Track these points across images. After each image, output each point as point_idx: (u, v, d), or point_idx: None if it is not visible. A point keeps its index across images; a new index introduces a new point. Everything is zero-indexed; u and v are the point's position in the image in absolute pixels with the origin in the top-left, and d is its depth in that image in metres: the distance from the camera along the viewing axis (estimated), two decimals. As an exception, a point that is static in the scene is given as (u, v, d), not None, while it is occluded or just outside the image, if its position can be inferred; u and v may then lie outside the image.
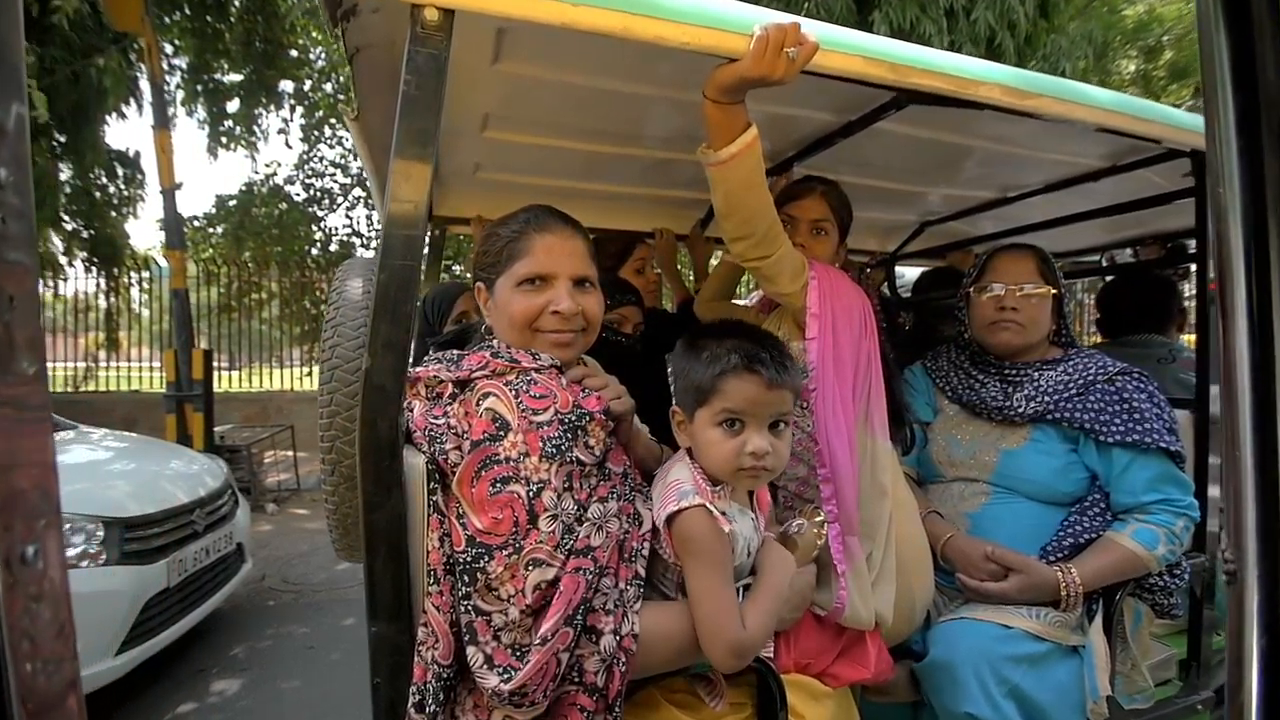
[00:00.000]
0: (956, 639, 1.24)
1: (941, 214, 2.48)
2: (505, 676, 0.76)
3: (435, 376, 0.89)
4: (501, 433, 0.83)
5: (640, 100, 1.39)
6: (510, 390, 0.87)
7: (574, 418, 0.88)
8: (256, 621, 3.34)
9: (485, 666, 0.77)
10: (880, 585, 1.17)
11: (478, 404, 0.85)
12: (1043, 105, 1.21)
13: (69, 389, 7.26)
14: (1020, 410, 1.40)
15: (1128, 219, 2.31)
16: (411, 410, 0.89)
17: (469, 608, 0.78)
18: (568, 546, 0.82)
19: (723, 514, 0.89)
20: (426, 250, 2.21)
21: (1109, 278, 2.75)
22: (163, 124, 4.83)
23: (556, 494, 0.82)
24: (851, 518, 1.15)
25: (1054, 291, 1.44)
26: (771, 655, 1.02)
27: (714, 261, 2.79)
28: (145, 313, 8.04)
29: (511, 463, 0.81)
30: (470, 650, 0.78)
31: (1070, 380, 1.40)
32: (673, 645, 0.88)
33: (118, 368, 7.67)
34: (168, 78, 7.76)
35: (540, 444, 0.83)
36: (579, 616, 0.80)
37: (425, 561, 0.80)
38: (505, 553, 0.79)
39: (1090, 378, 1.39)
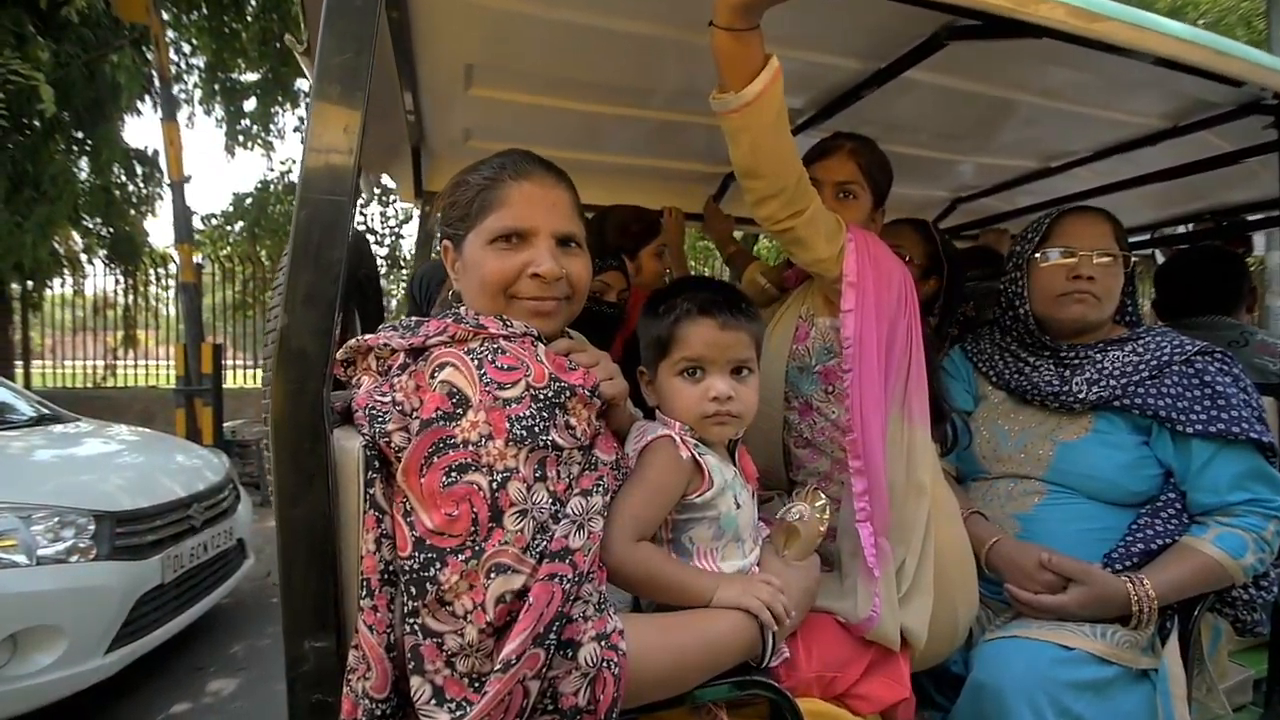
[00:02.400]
0: (1006, 661, 1.06)
1: (976, 188, 2.28)
2: (458, 713, 0.61)
3: (386, 345, 0.74)
4: (459, 410, 0.68)
5: (644, 45, 1.24)
6: (472, 360, 0.72)
7: (550, 393, 0.72)
8: (259, 619, 3.26)
9: (433, 701, 0.62)
10: (914, 598, 1.00)
11: (431, 376, 0.71)
12: (1112, 30, 1.02)
13: (89, 385, 7.34)
14: (1081, 396, 1.21)
15: (1183, 191, 2.11)
16: (359, 387, 0.75)
17: (415, 627, 0.64)
18: (539, 549, 0.67)
19: (695, 448, 0.86)
20: (417, 228, 2.08)
21: (1160, 258, 2.54)
22: (171, 117, 4.81)
23: (526, 485, 0.68)
24: (886, 517, 1.00)
25: (1132, 259, 1.25)
26: (787, 656, 0.87)
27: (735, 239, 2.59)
28: (169, 310, 8.11)
29: (470, 447, 0.66)
30: (415, 681, 0.63)
31: (1141, 361, 1.20)
32: (666, 665, 0.73)
33: (135, 365, 7.75)
34: (186, 77, 7.84)
35: (507, 424, 0.68)
36: (552, 635, 0.65)
37: (358, 569, 0.65)
38: (462, 558, 0.64)
39: (1165, 358, 1.19)
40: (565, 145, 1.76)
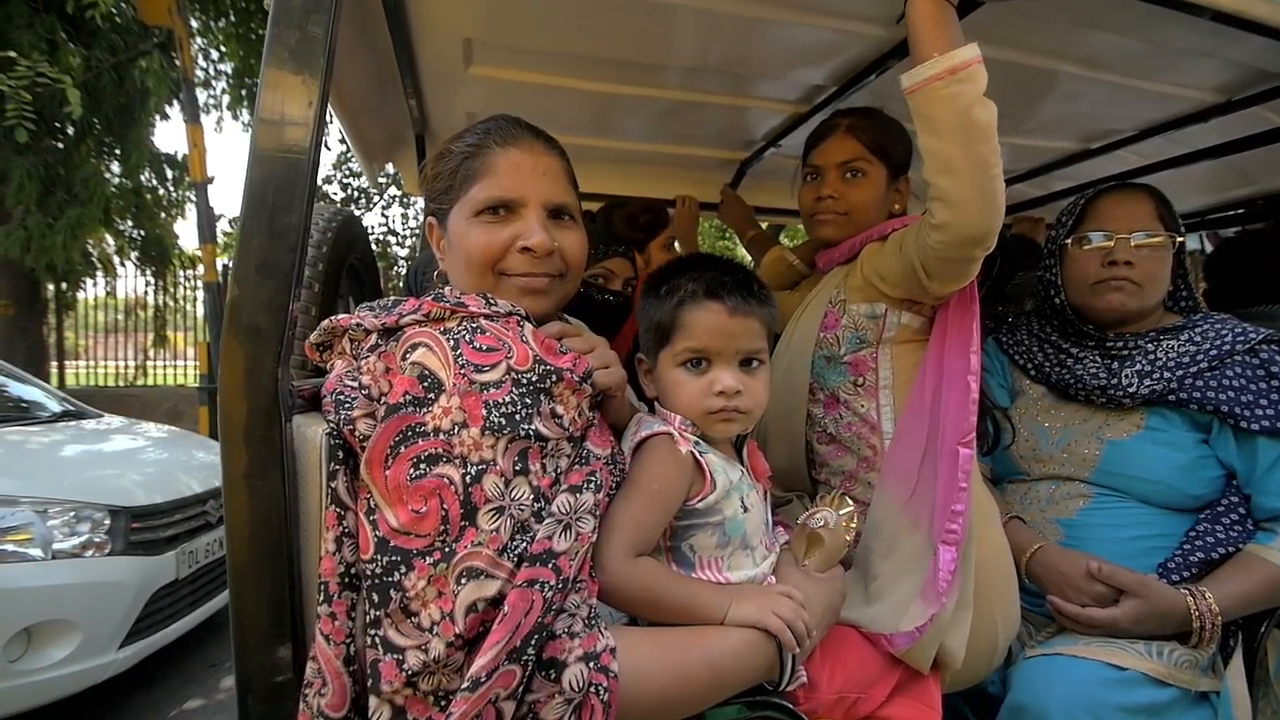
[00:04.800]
0: (1049, 681, 0.96)
1: (1010, 173, 2.15)
2: None
3: (359, 325, 0.68)
4: (431, 395, 0.61)
5: (654, 14, 1.16)
6: (447, 340, 0.65)
7: (534, 377, 0.65)
8: (274, 616, 3.27)
9: None
10: (952, 613, 0.90)
11: (403, 357, 0.64)
12: (1173, -21, 0.92)
13: (120, 384, 7.54)
14: (1131, 390, 1.10)
15: (1232, 174, 1.96)
16: (332, 371, 0.69)
17: (377, 639, 0.57)
18: (518, 551, 0.60)
19: (696, 446, 0.79)
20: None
21: (1208, 246, 2.38)
22: (195, 119, 4.88)
23: (504, 479, 0.61)
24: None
25: (1179, 240, 1.14)
26: (805, 681, 0.78)
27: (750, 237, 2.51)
28: (200, 311, 8.28)
29: (442, 435, 0.60)
30: (373, 702, 0.57)
31: (1199, 351, 1.09)
32: (665, 690, 0.65)
33: (165, 364, 7.95)
34: (214, 83, 8.01)
35: (484, 411, 0.61)
36: (530, 649, 0.57)
37: (317, 572, 0.59)
38: (429, 560, 0.57)
39: (1226, 347, 1.08)
40: (572, 130, 1.69)
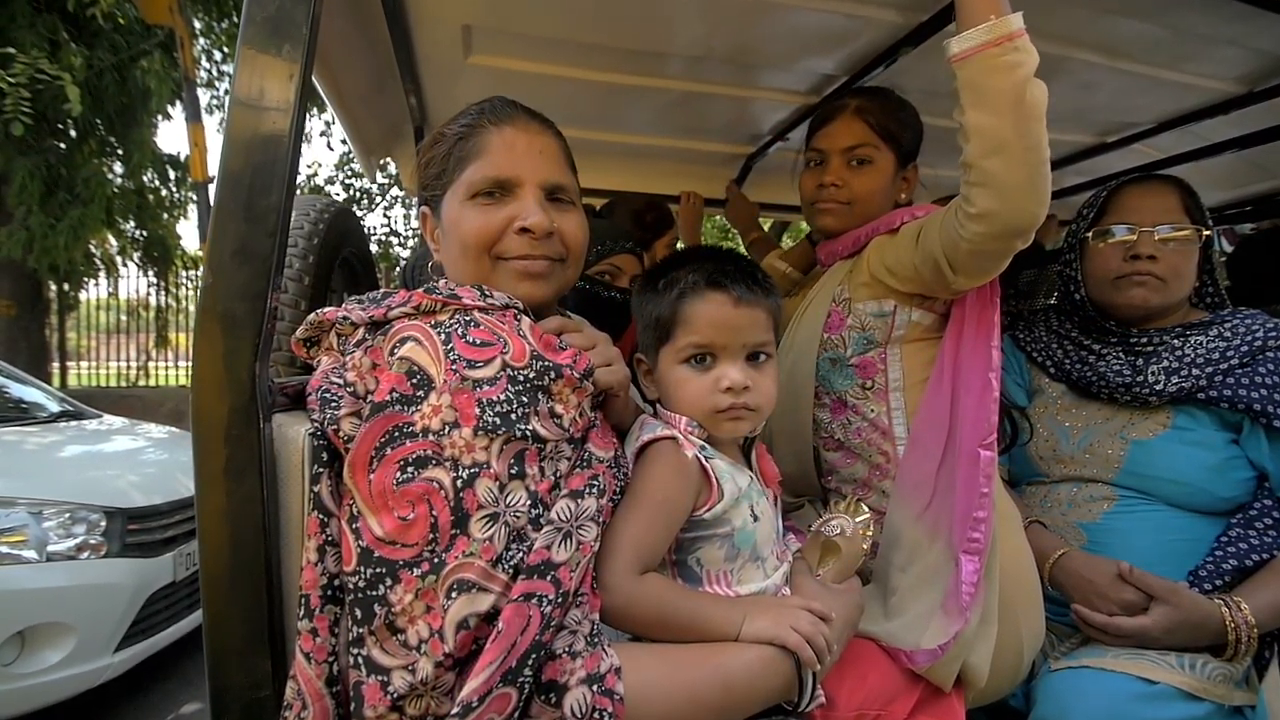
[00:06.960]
0: (1076, 695, 0.91)
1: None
2: None
3: (346, 318, 0.64)
4: (420, 392, 0.57)
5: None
6: (438, 334, 0.61)
7: (532, 374, 0.61)
8: (274, 619, 3.24)
9: None
10: (976, 628, 0.85)
11: (390, 352, 0.60)
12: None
13: (123, 384, 7.53)
14: (1158, 387, 1.05)
15: (1249, 169, 1.91)
16: (318, 367, 0.65)
17: (360, 659, 0.53)
18: (513, 561, 0.56)
19: (702, 450, 0.75)
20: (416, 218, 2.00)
21: (1224, 244, 2.33)
22: (196, 118, 4.86)
23: (499, 483, 0.56)
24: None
25: (1205, 233, 1.09)
26: (823, 701, 0.73)
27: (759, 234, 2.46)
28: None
29: (431, 436, 0.56)
30: None
31: (1229, 347, 1.04)
32: (674, 713, 0.60)
33: (168, 365, 7.95)
34: (217, 84, 8.02)
35: (476, 410, 0.57)
36: (527, 670, 0.53)
37: (297, 584, 0.55)
38: (417, 572, 0.53)
39: (1256, 343, 1.03)
40: (575, 122, 1.64)
